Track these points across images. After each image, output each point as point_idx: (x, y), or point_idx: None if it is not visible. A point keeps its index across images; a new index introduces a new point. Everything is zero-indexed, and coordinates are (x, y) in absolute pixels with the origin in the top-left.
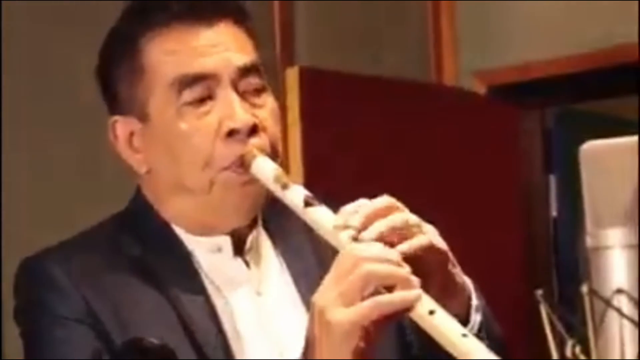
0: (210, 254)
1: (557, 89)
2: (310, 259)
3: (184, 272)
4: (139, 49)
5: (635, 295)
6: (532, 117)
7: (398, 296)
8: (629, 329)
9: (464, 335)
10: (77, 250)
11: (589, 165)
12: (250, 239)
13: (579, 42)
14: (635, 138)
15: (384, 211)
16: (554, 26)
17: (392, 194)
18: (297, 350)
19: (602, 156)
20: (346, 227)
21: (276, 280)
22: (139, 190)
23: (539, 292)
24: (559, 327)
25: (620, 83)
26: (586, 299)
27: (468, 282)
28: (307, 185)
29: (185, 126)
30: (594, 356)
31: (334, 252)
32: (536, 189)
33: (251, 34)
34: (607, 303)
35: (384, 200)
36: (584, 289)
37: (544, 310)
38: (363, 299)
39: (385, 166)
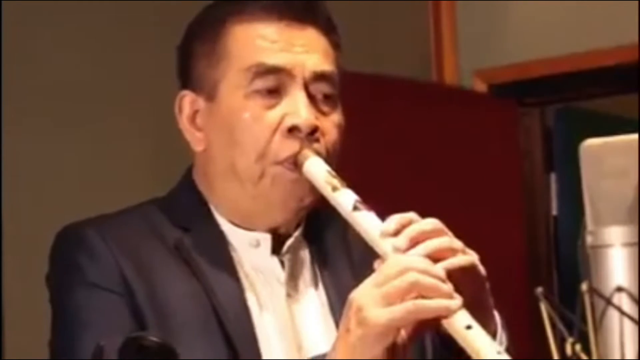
0: (248, 247)
1: (557, 88)
2: (345, 275)
3: (220, 261)
4: (226, 31)
5: (636, 293)
6: (532, 116)
7: (439, 302)
8: (629, 327)
9: (499, 352)
10: (116, 224)
11: (589, 163)
12: (290, 241)
13: (579, 41)
14: (635, 136)
15: (430, 234)
16: (554, 25)
17: (393, 192)
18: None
19: (602, 154)
20: (392, 235)
21: (308, 287)
22: (188, 175)
23: (539, 290)
24: (559, 325)
25: (620, 82)
26: (586, 297)
27: (496, 314)
28: None
29: (249, 114)
30: (594, 354)
31: (371, 269)
32: (536, 187)
33: (335, 46)
34: (608, 301)
35: (431, 222)
36: (584, 287)
37: (544, 308)
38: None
39: (385, 165)
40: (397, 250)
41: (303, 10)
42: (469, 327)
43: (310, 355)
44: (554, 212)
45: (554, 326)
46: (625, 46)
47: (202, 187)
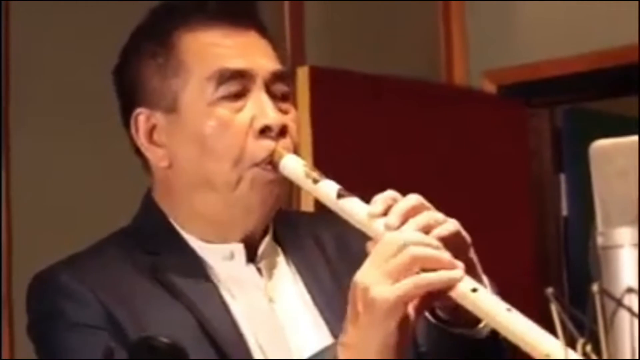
0: (223, 261)
1: (566, 88)
2: (323, 271)
3: (197, 279)
4: (176, 42)
5: None
6: (541, 116)
7: (444, 274)
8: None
9: (508, 309)
10: (89, 262)
11: (598, 163)
12: (262, 247)
13: (588, 42)
14: None
15: (415, 210)
16: (563, 26)
17: (402, 192)
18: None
19: (611, 155)
20: (380, 215)
21: (288, 288)
22: (148, 198)
23: (550, 290)
24: (570, 325)
25: (630, 82)
26: (597, 298)
27: (485, 278)
28: None
29: (217, 121)
30: (604, 355)
31: (349, 263)
32: (546, 188)
33: (275, 46)
34: (618, 302)
35: (414, 197)
36: (595, 287)
37: (554, 309)
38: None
39: (395, 165)
40: (389, 228)
41: (244, 14)
42: (474, 290)
43: (303, 355)
44: (564, 212)
45: (564, 327)
46: (634, 47)
47: (165, 207)
